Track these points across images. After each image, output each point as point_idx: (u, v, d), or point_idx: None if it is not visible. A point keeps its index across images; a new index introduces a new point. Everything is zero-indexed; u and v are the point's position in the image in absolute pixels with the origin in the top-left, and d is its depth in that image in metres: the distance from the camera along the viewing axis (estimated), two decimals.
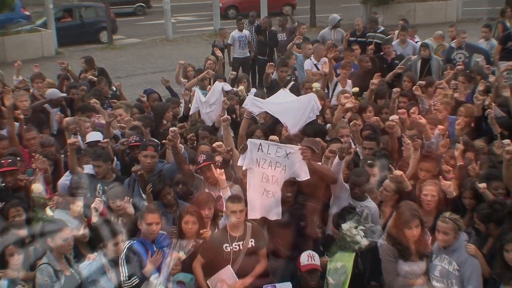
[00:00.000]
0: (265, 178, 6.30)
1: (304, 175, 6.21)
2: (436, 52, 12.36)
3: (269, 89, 10.45)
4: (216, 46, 13.92)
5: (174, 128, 6.85)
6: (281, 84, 10.24)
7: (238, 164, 6.31)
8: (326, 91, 10.32)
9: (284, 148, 6.26)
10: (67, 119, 8.57)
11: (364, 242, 5.70)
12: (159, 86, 11.56)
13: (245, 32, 14.99)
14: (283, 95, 8.50)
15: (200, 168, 6.79)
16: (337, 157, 6.20)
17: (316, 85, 9.69)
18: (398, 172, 6.39)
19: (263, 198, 6.26)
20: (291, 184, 6.32)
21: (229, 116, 7.79)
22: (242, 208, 5.92)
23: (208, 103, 9.28)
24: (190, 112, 9.52)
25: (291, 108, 8.04)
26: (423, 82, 9.60)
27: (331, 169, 6.31)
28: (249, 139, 6.52)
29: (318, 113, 8.20)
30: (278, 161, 6.25)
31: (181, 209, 6.16)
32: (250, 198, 6.27)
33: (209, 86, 9.93)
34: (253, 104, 8.22)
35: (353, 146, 7.87)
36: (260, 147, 6.29)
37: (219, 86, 9.30)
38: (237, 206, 5.91)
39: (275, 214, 6.23)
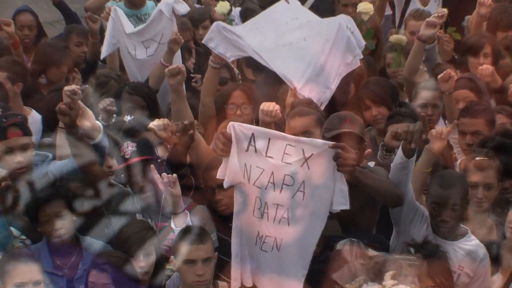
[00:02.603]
0: (260, 209, 4.24)
1: (340, 201, 4.12)
2: None
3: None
4: None
5: (71, 86, 4.77)
6: None
7: (217, 176, 4.42)
8: (389, 11, 7.75)
9: (301, 145, 4.13)
10: None
11: None
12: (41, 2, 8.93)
13: None
14: (285, 16, 5.84)
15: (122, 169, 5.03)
16: (400, 148, 4.22)
17: (366, 7, 6.58)
18: None
19: (259, 253, 4.31)
20: None
21: (181, 66, 5.46)
22: (208, 254, 4.21)
23: (141, 37, 6.43)
24: (102, 55, 6.62)
25: (303, 47, 5.60)
26: None
27: (390, 176, 4.37)
28: (231, 123, 4.37)
29: (362, 56, 5.74)
30: (288, 173, 4.15)
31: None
32: (238, 250, 4.35)
33: None
34: (224, 39, 5.64)
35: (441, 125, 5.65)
36: (253, 142, 4.17)
37: (166, 4, 6.45)
38: (198, 251, 4.20)
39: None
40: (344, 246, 4.12)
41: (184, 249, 4.19)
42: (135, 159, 4.77)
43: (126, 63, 6.52)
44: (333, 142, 4.08)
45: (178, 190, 4.44)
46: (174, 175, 4.45)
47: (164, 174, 4.46)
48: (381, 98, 5.42)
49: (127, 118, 5.38)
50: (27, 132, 4.83)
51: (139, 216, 4.75)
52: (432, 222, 4.41)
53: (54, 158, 5.02)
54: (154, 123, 4.87)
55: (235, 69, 6.31)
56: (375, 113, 5.39)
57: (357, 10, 6.52)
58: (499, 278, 4.38)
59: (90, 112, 4.64)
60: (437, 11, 5.95)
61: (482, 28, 6.66)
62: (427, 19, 5.77)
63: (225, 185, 4.19)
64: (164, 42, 6.30)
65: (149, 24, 6.50)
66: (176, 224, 4.46)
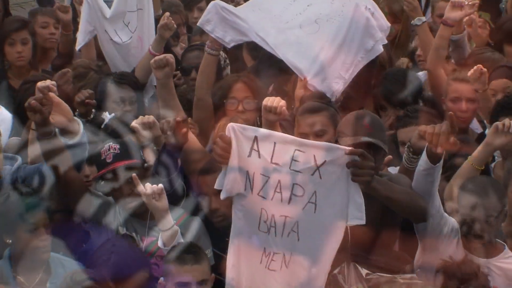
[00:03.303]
0: (266, 222, 3.87)
1: (354, 215, 3.75)
2: None
3: None
4: None
5: (45, 82, 4.42)
6: None
7: (215, 186, 4.00)
8: None
9: (312, 151, 3.77)
10: None
11: None
12: None
13: None
14: None
15: (103, 176, 4.62)
16: (424, 158, 3.89)
17: None
18: None
19: (265, 273, 3.91)
20: None
21: (169, 57, 5.11)
22: (204, 276, 3.97)
23: (120, 16, 6.05)
24: (78, 45, 6.14)
25: (314, 31, 5.18)
26: None
27: (414, 184, 4.04)
28: (230, 124, 3.98)
29: (385, 41, 5.28)
30: (298, 182, 3.80)
31: None
32: (234, 274, 3.95)
33: None
34: (223, 21, 5.23)
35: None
36: (256, 146, 3.81)
37: None
38: (192, 273, 3.99)
39: None
40: (339, 270, 3.97)
41: (176, 270, 3.97)
42: (118, 164, 4.45)
43: (107, 51, 6.13)
44: (350, 148, 3.75)
45: (164, 203, 4.15)
46: (160, 185, 4.15)
47: (148, 184, 4.17)
48: (399, 99, 5.02)
49: (107, 115, 4.99)
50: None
51: (122, 229, 4.46)
52: (463, 237, 4.14)
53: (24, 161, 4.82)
54: (138, 121, 4.47)
55: (223, 56, 5.75)
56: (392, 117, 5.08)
57: None
58: None
59: (66, 107, 4.33)
60: None
61: None
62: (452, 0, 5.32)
63: (223, 196, 3.85)
64: (141, 7, 5.95)
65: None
66: (165, 243, 4.16)
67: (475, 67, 5.01)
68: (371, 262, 4.29)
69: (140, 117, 4.61)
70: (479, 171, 4.37)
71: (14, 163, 4.69)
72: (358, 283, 3.93)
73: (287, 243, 3.92)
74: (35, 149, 4.73)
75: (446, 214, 4.18)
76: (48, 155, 4.40)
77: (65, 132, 4.40)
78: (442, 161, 3.94)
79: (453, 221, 4.20)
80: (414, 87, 5.23)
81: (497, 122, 4.40)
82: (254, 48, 5.67)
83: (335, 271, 3.96)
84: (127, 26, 6.07)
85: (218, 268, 4.23)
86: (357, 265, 4.00)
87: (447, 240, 4.19)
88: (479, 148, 4.34)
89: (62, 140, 4.40)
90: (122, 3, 6.06)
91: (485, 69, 4.96)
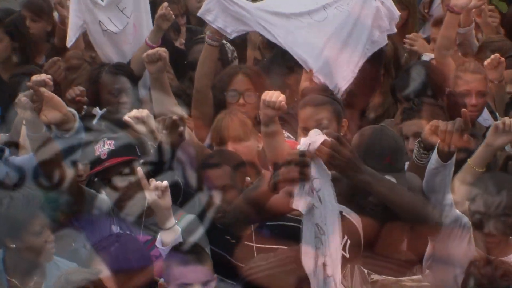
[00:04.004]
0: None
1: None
2: None
3: None
4: None
5: (40, 76, 4.28)
6: None
7: (293, 206, 3.69)
8: None
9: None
10: None
11: None
12: None
13: None
14: None
15: (99, 173, 4.45)
16: (434, 156, 3.70)
17: None
18: None
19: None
20: None
21: (162, 51, 4.98)
22: (207, 277, 3.85)
23: (115, 2, 5.76)
24: (69, 42, 5.78)
25: (321, 19, 5.08)
26: None
27: (424, 181, 3.81)
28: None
29: (395, 30, 5.20)
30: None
31: None
32: None
33: None
34: (224, 11, 5.07)
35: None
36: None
37: None
38: (195, 274, 3.89)
39: None
40: (344, 273, 3.83)
41: (179, 271, 3.85)
42: (114, 161, 4.30)
43: (99, 43, 5.81)
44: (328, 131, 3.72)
45: (168, 201, 4.01)
46: (165, 182, 4.00)
47: (152, 180, 4.01)
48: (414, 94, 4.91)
49: (97, 110, 4.88)
50: None
51: (115, 228, 4.35)
52: (476, 235, 3.98)
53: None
54: (131, 115, 4.31)
55: (227, 45, 5.66)
56: None
57: None
58: None
59: (59, 100, 4.26)
60: None
61: None
62: None
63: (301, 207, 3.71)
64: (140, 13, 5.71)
65: None
66: (164, 242, 4.02)
67: (492, 56, 4.85)
68: (377, 262, 4.08)
69: (134, 110, 4.44)
70: (481, 173, 4.28)
71: (2, 155, 4.52)
72: (363, 285, 3.85)
73: None
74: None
75: (457, 211, 3.98)
76: (39, 152, 4.24)
77: (60, 126, 4.25)
78: (454, 159, 3.79)
79: (465, 219, 4.00)
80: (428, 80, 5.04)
81: (497, 122, 4.33)
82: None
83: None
84: (122, 11, 5.80)
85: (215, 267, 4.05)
86: (362, 268, 3.90)
87: (458, 237, 4.03)
88: (480, 149, 4.26)
89: (58, 135, 4.27)
90: None
91: (503, 59, 4.83)
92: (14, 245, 4.09)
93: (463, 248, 3.98)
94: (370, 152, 3.97)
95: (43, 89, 4.22)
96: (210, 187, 4.26)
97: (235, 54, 5.78)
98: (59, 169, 4.27)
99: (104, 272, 3.97)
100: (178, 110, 4.61)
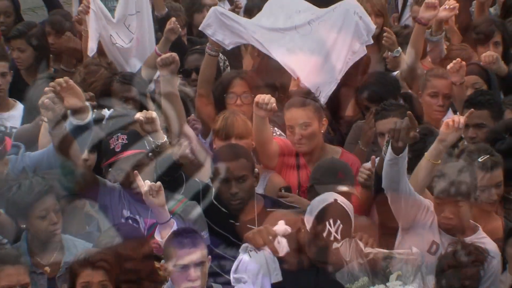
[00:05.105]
0: None
1: None
2: None
3: None
4: None
5: (58, 80, 4.42)
6: None
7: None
8: None
9: None
10: None
11: None
12: None
13: None
14: (287, 5, 5.54)
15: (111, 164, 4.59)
16: (389, 149, 4.10)
17: None
18: None
19: None
20: None
21: (175, 55, 5.12)
22: (202, 258, 3.91)
23: (122, 19, 6.15)
24: (91, 52, 6.11)
25: (307, 33, 5.35)
26: None
27: (383, 172, 4.19)
28: None
29: (372, 41, 5.48)
30: None
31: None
32: None
33: None
34: (222, 26, 5.40)
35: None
36: None
37: None
38: (192, 255, 3.92)
39: None
40: (342, 245, 4.02)
41: (175, 253, 3.97)
42: (128, 153, 4.51)
43: (111, 53, 6.21)
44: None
45: (161, 199, 4.19)
46: (158, 183, 4.21)
47: (147, 182, 4.22)
48: (381, 97, 5.14)
49: (106, 111, 5.10)
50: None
51: (126, 212, 4.56)
52: (440, 221, 4.29)
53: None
54: (142, 114, 4.61)
55: (220, 55, 5.84)
56: None
57: None
58: (509, 277, 4.33)
59: (79, 90, 4.44)
60: (448, 2, 5.68)
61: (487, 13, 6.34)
62: (426, 1, 5.49)
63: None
64: (139, 10, 6.07)
65: (122, 3, 6.23)
66: (161, 235, 4.21)
67: (454, 61, 5.11)
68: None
69: (144, 111, 4.71)
70: (437, 165, 4.40)
71: (19, 151, 4.76)
72: (358, 258, 3.99)
73: None
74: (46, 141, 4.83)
75: (419, 196, 4.30)
76: (59, 147, 4.41)
77: (77, 113, 4.43)
78: (406, 152, 4.10)
79: (428, 203, 4.27)
80: (394, 87, 5.31)
81: (447, 120, 4.49)
82: None
83: (338, 245, 4.04)
84: (127, 28, 6.23)
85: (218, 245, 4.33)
86: (358, 241, 4.09)
87: (422, 220, 4.35)
88: (434, 144, 4.38)
89: (75, 122, 4.44)
90: (124, 7, 6.20)
91: (464, 63, 5.10)
92: (23, 226, 4.27)
93: (427, 228, 4.29)
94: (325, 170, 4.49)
95: (66, 78, 4.42)
96: (230, 177, 4.41)
97: (227, 63, 5.98)
98: (75, 158, 4.47)
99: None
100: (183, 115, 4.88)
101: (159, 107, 5.39)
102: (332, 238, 3.93)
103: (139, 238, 4.32)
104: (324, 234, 4.00)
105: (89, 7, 6.15)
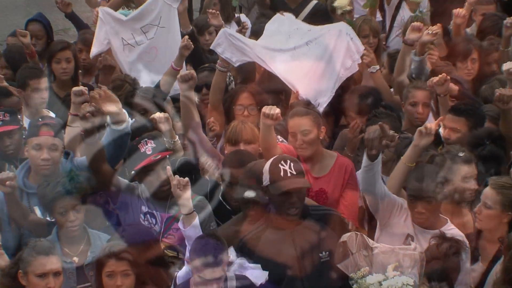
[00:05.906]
0: None
1: None
2: None
3: (271, 8, 7.33)
4: None
5: (98, 90, 4.72)
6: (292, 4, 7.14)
7: None
8: (379, 18, 7.48)
9: None
10: None
11: None
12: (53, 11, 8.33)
13: None
14: (286, 26, 5.82)
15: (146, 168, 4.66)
16: (364, 157, 4.25)
17: (343, 2, 6.50)
18: None
19: None
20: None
21: (193, 72, 5.31)
22: (220, 274, 4.01)
23: (138, 23, 6.32)
24: (92, 53, 6.41)
25: (305, 52, 5.57)
26: None
27: (360, 177, 4.42)
28: None
29: (360, 60, 5.64)
30: None
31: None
32: None
33: None
34: (231, 45, 5.58)
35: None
36: None
37: None
38: (215, 273, 3.99)
39: None
40: (349, 238, 4.12)
41: (199, 267, 4.01)
42: (160, 155, 4.65)
43: (122, 60, 6.35)
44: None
45: (188, 193, 4.29)
46: (186, 178, 4.32)
47: (176, 176, 4.33)
48: (364, 109, 5.35)
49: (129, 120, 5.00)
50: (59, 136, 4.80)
51: (144, 208, 4.70)
52: (413, 214, 4.40)
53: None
54: (159, 115, 4.87)
55: (228, 74, 5.98)
56: (361, 124, 5.33)
57: (333, 4, 6.46)
58: (479, 266, 4.32)
59: (116, 98, 4.62)
60: (431, 28, 5.89)
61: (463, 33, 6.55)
62: (412, 24, 5.75)
63: None
64: (164, 25, 6.21)
65: (144, 9, 6.34)
66: (184, 224, 4.30)
67: (440, 75, 5.27)
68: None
69: (159, 113, 5.06)
70: (412, 167, 4.50)
71: (68, 156, 4.92)
72: (363, 250, 4.07)
73: None
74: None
75: (394, 196, 4.44)
76: (90, 154, 4.63)
77: (115, 118, 4.58)
78: (380, 159, 4.22)
79: (402, 201, 4.39)
80: (376, 98, 5.52)
81: (420, 127, 4.57)
82: None
83: (343, 239, 4.12)
84: (144, 33, 6.34)
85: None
86: (364, 235, 4.17)
87: (397, 216, 4.46)
88: (409, 149, 4.49)
89: (113, 127, 4.58)
90: (147, 12, 6.31)
91: (448, 77, 5.29)
92: (49, 219, 4.48)
93: (401, 224, 4.41)
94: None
95: (104, 87, 4.57)
96: (233, 182, 4.53)
97: (232, 78, 6.12)
98: (104, 166, 4.65)
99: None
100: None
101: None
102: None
103: (144, 242, 4.32)
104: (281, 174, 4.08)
105: (97, 16, 6.26)
